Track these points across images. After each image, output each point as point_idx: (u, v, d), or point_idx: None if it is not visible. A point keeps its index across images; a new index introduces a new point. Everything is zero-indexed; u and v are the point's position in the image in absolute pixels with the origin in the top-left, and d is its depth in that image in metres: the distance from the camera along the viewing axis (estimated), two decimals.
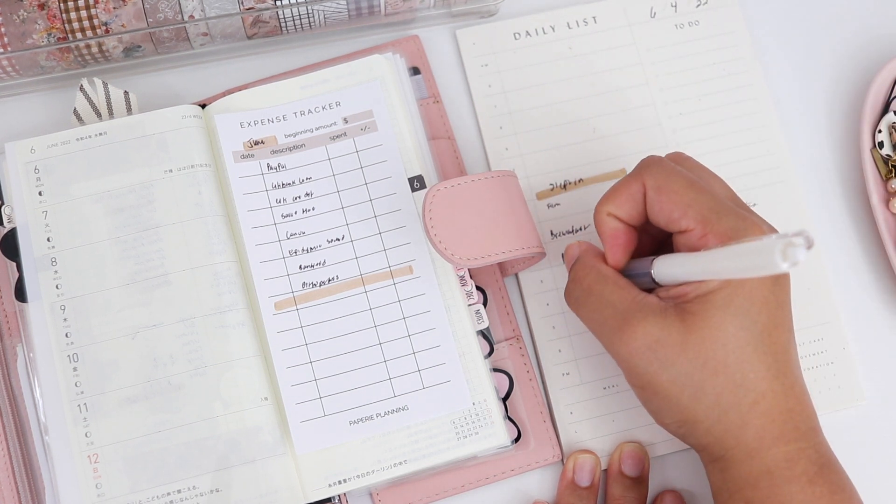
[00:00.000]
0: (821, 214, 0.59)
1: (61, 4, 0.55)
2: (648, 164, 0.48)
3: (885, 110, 0.59)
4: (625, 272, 0.48)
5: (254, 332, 0.52)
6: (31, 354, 0.52)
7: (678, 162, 0.49)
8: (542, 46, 0.60)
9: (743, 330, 0.43)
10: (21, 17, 0.55)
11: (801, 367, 0.46)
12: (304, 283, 0.53)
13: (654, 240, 0.50)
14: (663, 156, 0.49)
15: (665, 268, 0.45)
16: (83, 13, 0.55)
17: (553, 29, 0.61)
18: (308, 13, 0.57)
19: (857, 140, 0.60)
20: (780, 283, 0.45)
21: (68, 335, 0.51)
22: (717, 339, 0.43)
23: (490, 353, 0.53)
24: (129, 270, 0.52)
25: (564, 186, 0.58)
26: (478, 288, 0.54)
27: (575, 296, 0.48)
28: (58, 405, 0.51)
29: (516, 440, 0.53)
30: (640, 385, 0.46)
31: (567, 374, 0.55)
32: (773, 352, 0.44)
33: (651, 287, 0.46)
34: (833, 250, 0.59)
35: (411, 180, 0.55)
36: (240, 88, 0.58)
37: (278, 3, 0.56)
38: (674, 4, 0.62)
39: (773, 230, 0.45)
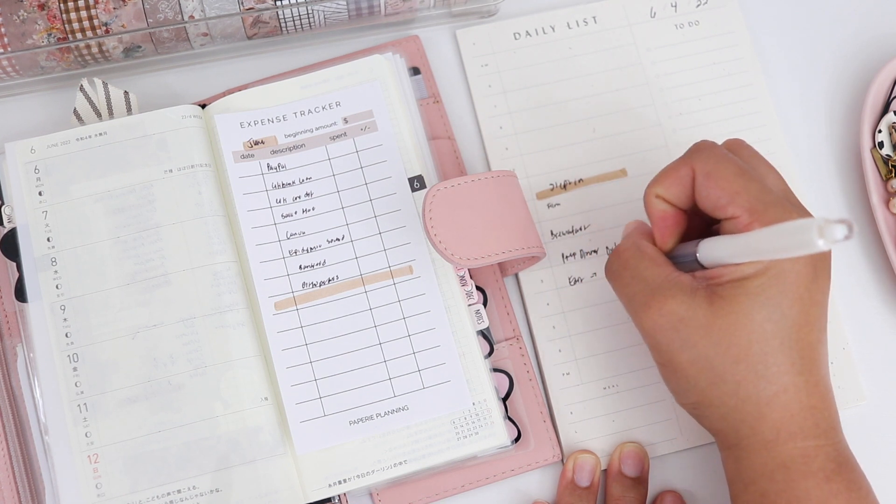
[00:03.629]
0: (821, 214, 0.59)
1: (61, 5, 0.55)
2: (699, 149, 0.47)
3: (885, 110, 0.59)
4: (672, 255, 0.48)
5: (254, 332, 0.52)
6: (31, 354, 0.52)
7: (735, 149, 0.48)
8: (542, 46, 0.60)
9: (771, 322, 0.43)
10: (21, 18, 0.55)
11: (828, 366, 0.46)
12: (304, 283, 0.53)
13: (705, 224, 0.49)
14: (719, 142, 0.48)
15: (710, 248, 0.44)
16: (83, 13, 0.55)
17: (553, 29, 0.61)
18: (308, 13, 0.57)
19: (857, 140, 0.60)
20: (818, 282, 0.44)
21: (68, 335, 0.51)
22: (743, 327, 0.43)
23: (490, 353, 0.53)
24: (129, 270, 0.52)
25: (564, 186, 0.58)
26: (478, 288, 0.54)
27: (613, 268, 0.48)
28: (58, 405, 0.51)
29: (516, 440, 0.53)
30: (660, 362, 0.46)
31: (567, 374, 0.55)
32: (800, 347, 0.44)
33: (695, 270, 0.46)
34: (833, 250, 0.58)
35: (411, 180, 0.55)
36: (240, 88, 0.58)
37: (278, 3, 0.56)
38: (674, 4, 0.62)
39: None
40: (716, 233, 0.47)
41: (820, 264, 0.45)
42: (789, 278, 0.43)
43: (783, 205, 0.44)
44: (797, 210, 0.45)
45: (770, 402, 0.43)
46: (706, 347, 0.44)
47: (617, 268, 0.48)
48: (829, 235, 0.35)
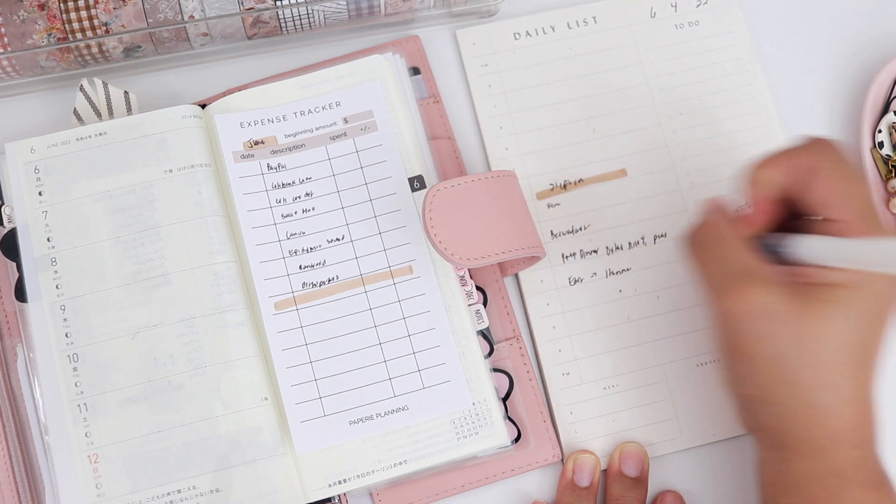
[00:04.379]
0: None
1: (61, 5, 0.55)
2: (820, 143, 0.46)
3: (885, 110, 0.59)
4: (757, 240, 0.47)
5: (254, 332, 0.52)
6: (31, 354, 0.52)
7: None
8: (542, 46, 0.60)
9: (853, 334, 0.43)
10: (21, 18, 0.55)
11: None
12: (304, 283, 0.53)
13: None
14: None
15: (816, 247, 0.43)
16: (83, 13, 0.55)
17: (553, 29, 0.61)
18: (308, 13, 0.57)
19: (857, 140, 0.60)
20: (894, 303, 0.44)
21: (68, 335, 0.51)
22: (828, 333, 0.43)
23: (490, 353, 0.53)
24: (129, 270, 0.52)
25: (564, 186, 0.58)
26: (478, 288, 0.54)
27: (697, 240, 0.47)
28: (58, 405, 0.51)
29: (516, 440, 0.53)
30: (728, 347, 0.45)
31: (567, 374, 0.55)
32: (868, 363, 0.44)
33: (771, 262, 0.45)
34: None
35: (411, 180, 0.55)
36: (240, 88, 0.58)
37: (278, 3, 0.56)
38: (674, 4, 0.62)
39: None
40: (783, 230, 0.47)
41: None
42: (878, 294, 0.43)
43: (878, 218, 0.44)
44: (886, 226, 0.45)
45: (834, 411, 0.43)
46: (785, 345, 0.43)
47: (701, 241, 0.47)
48: None
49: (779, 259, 0.45)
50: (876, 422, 0.45)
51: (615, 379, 0.55)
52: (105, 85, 0.56)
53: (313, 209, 0.55)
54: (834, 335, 0.43)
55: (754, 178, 0.47)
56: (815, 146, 0.46)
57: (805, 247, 0.44)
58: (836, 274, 0.43)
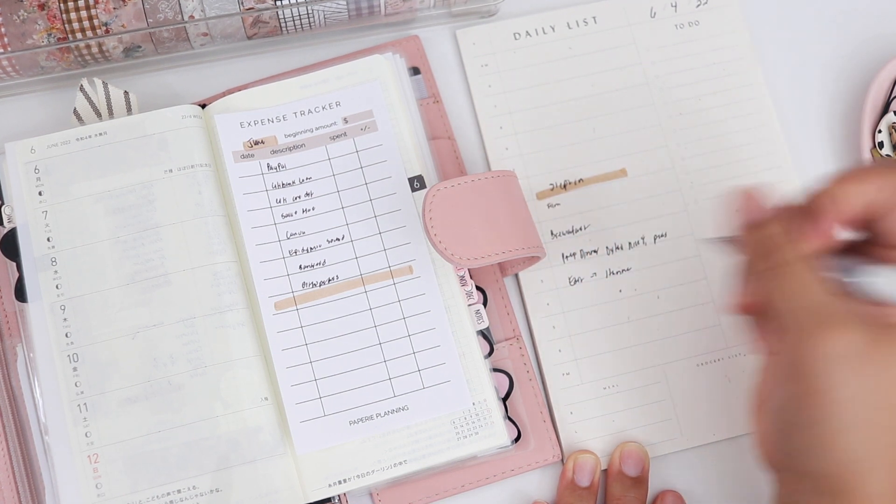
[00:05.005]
0: None
1: (61, 5, 0.55)
2: None
3: (885, 110, 0.59)
4: (828, 266, 0.43)
5: (254, 332, 0.52)
6: (31, 354, 0.52)
7: None
8: (542, 46, 0.60)
9: None
10: (21, 17, 0.55)
11: None
12: (304, 283, 0.53)
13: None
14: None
15: None
16: (83, 13, 0.55)
17: (553, 29, 0.61)
18: (308, 13, 0.57)
19: (857, 140, 0.60)
20: None
21: (68, 335, 0.51)
22: None
23: (490, 353, 0.53)
24: (129, 270, 0.52)
25: (564, 186, 0.58)
26: (478, 288, 0.54)
27: (762, 264, 0.42)
28: (58, 405, 0.51)
29: (516, 440, 0.53)
30: (803, 393, 0.40)
31: (567, 374, 0.55)
32: None
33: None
34: None
35: (411, 180, 0.55)
36: (240, 88, 0.58)
37: (278, 3, 0.56)
38: (674, 4, 0.62)
39: None
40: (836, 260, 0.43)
41: None
42: None
43: None
44: None
45: (891, 455, 0.40)
46: (869, 388, 0.39)
47: (770, 267, 0.42)
48: None
49: (844, 289, 0.42)
50: None
51: (615, 379, 0.55)
52: (105, 85, 0.56)
53: (313, 209, 0.55)
54: None
55: (835, 193, 0.42)
56: None
57: (891, 282, 0.41)
58: None
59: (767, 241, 0.42)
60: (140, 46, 0.57)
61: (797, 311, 0.40)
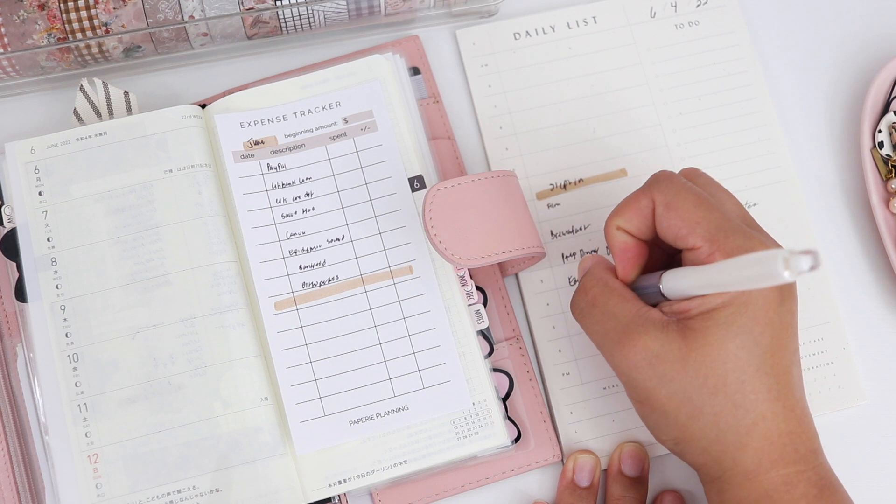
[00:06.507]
0: (820, 214, 0.59)
1: (61, 5, 0.55)
2: (658, 180, 0.47)
3: (885, 110, 0.59)
4: (635, 286, 0.47)
5: (254, 332, 0.52)
6: (31, 354, 0.52)
7: (691, 178, 0.48)
8: (542, 46, 0.60)
9: (744, 350, 0.43)
10: (21, 18, 0.55)
11: (803, 387, 0.45)
12: (304, 283, 0.53)
13: (666, 254, 0.49)
14: (676, 171, 0.48)
15: (673, 281, 0.44)
16: (83, 13, 0.55)
17: (553, 29, 0.61)
18: (308, 13, 0.57)
19: (857, 140, 0.60)
20: (785, 305, 0.44)
21: (68, 335, 0.51)
22: (717, 358, 0.43)
23: (490, 353, 0.53)
24: (129, 270, 0.52)
25: (564, 186, 0.58)
26: (478, 288, 0.54)
27: (580, 306, 0.48)
28: (58, 405, 0.51)
29: (516, 440, 0.53)
30: (638, 399, 0.46)
31: (567, 374, 0.55)
32: (775, 373, 0.43)
33: (660, 302, 0.46)
34: (833, 250, 0.59)
35: (411, 180, 0.55)
36: (240, 88, 0.58)
37: (278, 3, 0.56)
38: (674, 4, 0.62)
39: (780, 248, 0.44)
40: (678, 262, 0.47)
41: (786, 288, 0.44)
42: (758, 305, 0.43)
43: (744, 232, 0.44)
44: (759, 236, 0.44)
45: (749, 431, 0.43)
46: (683, 381, 0.43)
47: (584, 306, 0.48)
48: (794, 267, 0.35)
49: (662, 297, 0.45)
50: (810, 430, 0.44)
51: (615, 379, 0.55)
52: (105, 85, 0.56)
53: (313, 209, 0.55)
54: (724, 357, 0.43)
55: (605, 232, 0.48)
56: (652, 184, 0.47)
57: (664, 285, 0.45)
58: (710, 299, 0.43)
59: (591, 282, 0.48)
60: (140, 46, 0.57)
61: (612, 330, 0.46)
